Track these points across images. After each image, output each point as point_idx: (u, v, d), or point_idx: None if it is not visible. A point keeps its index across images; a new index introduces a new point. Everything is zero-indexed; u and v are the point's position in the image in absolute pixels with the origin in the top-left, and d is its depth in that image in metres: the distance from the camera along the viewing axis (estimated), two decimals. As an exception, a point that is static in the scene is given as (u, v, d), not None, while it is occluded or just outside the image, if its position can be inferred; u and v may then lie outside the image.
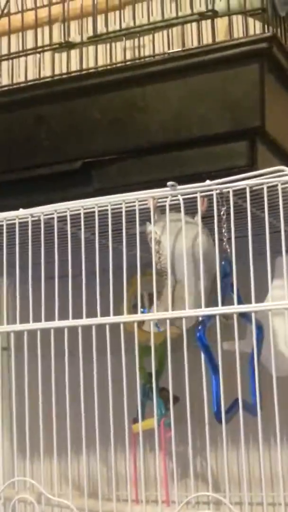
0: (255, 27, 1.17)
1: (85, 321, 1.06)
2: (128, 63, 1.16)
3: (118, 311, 1.06)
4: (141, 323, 1.07)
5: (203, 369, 0.99)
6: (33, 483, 1.06)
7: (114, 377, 1.04)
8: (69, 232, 1.09)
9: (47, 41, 1.25)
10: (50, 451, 1.06)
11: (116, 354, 1.04)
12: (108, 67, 1.18)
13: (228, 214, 1.02)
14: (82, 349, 1.05)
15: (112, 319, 1.05)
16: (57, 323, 1.08)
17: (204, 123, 1.08)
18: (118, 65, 1.18)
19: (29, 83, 1.22)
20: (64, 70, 1.21)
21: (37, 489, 1.07)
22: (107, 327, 1.04)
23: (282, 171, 0.98)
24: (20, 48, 1.27)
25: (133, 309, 1.08)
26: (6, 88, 1.23)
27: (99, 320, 1.05)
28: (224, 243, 1.04)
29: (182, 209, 1.02)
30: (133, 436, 1.12)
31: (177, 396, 1.08)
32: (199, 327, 1.01)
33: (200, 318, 1.01)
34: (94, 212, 1.08)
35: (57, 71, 1.22)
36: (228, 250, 1.03)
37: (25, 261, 1.11)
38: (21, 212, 1.12)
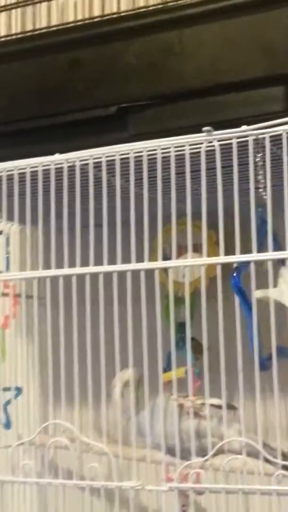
0: None
1: (119, 267, 1.06)
2: (164, 5, 1.14)
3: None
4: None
5: (238, 316, 0.99)
6: (68, 426, 1.06)
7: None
8: (104, 177, 1.08)
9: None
10: (83, 398, 1.07)
11: (149, 303, 1.04)
12: (144, 9, 1.16)
13: (264, 161, 1.01)
14: (117, 296, 1.05)
15: (147, 265, 1.04)
16: (92, 269, 1.07)
17: (240, 67, 1.06)
18: (154, 7, 1.15)
19: (65, 26, 1.20)
20: (99, 13, 1.19)
21: (71, 435, 1.08)
22: (142, 273, 1.04)
23: None
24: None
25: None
26: (41, 31, 1.22)
27: (134, 266, 1.05)
28: (261, 190, 1.03)
29: (217, 154, 1.01)
30: (164, 385, 1.12)
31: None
32: (234, 274, 1.00)
33: (235, 265, 1.00)
34: (129, 158, 1.07)
35: (92, 14, 1.21)
36: (265, 197, 1.02)
37: (59, 208, 1.11)
38: (57, 157, 1.11)
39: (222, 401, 1.02)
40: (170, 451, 1.05)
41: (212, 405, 1.08)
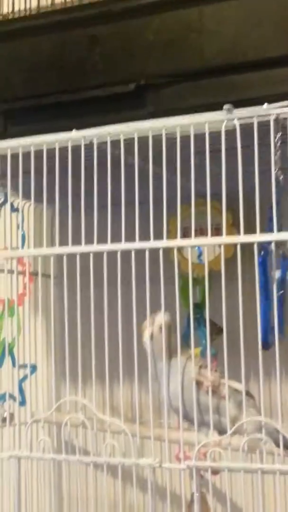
0: None
1: (138, 244, 1.05)
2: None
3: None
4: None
5: (258, 296, 0.98)
6: (85, 402, 1.06)
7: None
8: (122, 156, 1.07)
9: None
10: (100, 378, 1.07)
11: (167, 283, 1.04)
12: (165, -14, 1.15)
13: (283, 142, 1.00)
14: (135, 275, 1.05)
15: (165, 243, 1.04)
16: (110, 246, 1.07)
17: (261, 45, 1.06)
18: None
19: (84, 2, 1.19)
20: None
21: (87, 413, 1.08)
22: (161, 251, 1.03)
23: None
24: None
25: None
26: (60, 7, 1.21)
27: (152, 244, 1.04)
28: (276, 170, 1.02)
29: (237, 133, 1.00)
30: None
31: (221, 327, 1.08)
32: (262, 252, 0.99)
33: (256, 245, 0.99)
34: (147, 136, 1.06)
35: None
36: (281, 178, 1.01)
37: (75, 186, 1.10)
38: (73, 134, 1.10)
39: (240, 385, 1.02)
40: (188, 418, 1.05)
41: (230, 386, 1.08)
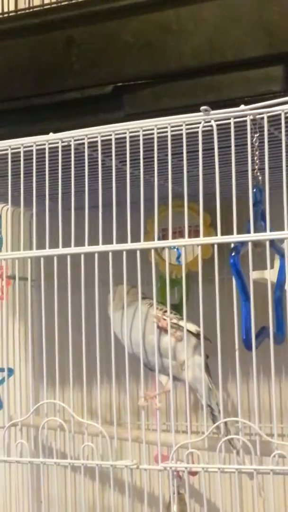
0: None
1: (115, 246, 1.05)
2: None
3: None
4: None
5: (234, 297, 0.98)
6: (63, 405, 1.06)
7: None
8: (99, 157, 1.07)
9: None
10: (76, 380, 1.06)
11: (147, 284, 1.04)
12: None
13: (261, 142, 1.00)
14: (112, 276, 1.04)
15: (143, 244, 1.03)
16: (87, 248, 1.06)
17: (239, 46, 1.05)
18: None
19: (60, 4, 1.19)
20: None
21: (65, 416, 1.07)
22: (138, 252, 1.03)
23: None
24: None
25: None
26: (37, 9, 1.21)
27: (129, 245, 1.04)
28: (255, 171, 1.02)
29: (215, 134, 1.00)
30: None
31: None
32: (232, 253, 0.99)
33: (232, 245, 0.99)
34: (125, 138, 1.06)
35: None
36: (260, 178, 1.01)
37: (53, 189, 1.10)
38: (51, 136, 1.10)
39: (198, 328, 1.05)
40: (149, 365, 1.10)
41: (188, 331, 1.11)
